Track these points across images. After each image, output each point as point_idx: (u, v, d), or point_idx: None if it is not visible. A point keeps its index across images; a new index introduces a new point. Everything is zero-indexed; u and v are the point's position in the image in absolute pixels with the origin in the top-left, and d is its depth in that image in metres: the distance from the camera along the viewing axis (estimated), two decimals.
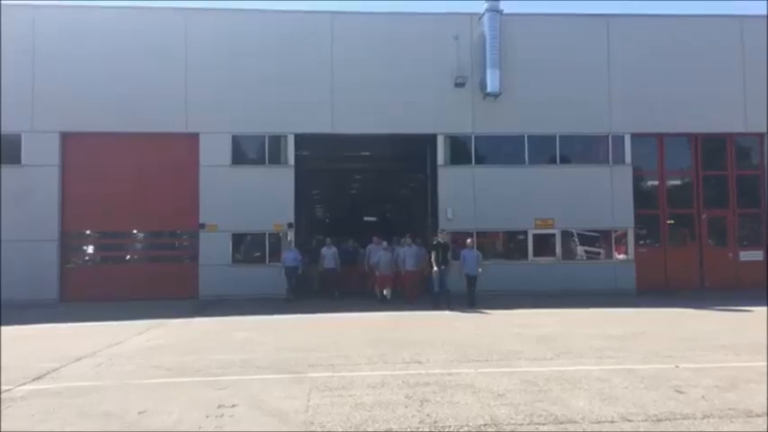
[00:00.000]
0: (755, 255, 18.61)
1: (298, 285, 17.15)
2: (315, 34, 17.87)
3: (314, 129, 17.90)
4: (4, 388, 6.72)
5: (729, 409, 5.62)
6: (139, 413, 5.73)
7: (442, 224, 17.36)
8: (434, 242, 15.43)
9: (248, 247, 17.85)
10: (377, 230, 22.30)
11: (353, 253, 18.68)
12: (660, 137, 18.81)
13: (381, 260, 16.27)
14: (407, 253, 16.11)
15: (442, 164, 18.19)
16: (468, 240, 15.73)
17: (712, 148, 19.11)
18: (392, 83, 17.83)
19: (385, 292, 16.26)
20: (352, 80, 17.77)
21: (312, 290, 18.11)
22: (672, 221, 19.02)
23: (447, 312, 13.69)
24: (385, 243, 17.00)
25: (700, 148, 18.93)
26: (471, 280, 14.93)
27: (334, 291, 16.97)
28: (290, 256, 16.79)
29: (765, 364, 7.48)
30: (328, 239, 18.29)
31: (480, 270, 14.95)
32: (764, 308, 13.28)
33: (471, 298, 14.76)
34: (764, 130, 18.52)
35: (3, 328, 11.47)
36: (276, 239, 17.62)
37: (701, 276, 18.46)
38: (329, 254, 17.22)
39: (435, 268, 14.72)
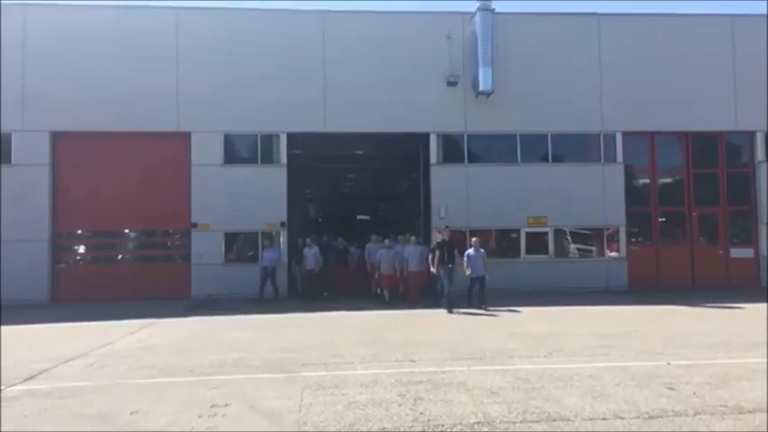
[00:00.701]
0: (746, 252, 18.72)
1: (290, 285, 17.03)
2: (307, 34, 17.83)
3: (306, 127, 17.85)
4: None
5: (721, 405, 5.65)
6: (132, 413, 5.70)
7: (435, 223, 17.37)
8: (439, 240, 14.80)
9: (241, 246, 17.79)
10: (370, 229, 22.21)
11: (343, 251, 18.43)
12: (651, 135, 18.90)
13: (383, 259, 15.70)
14: (411, 253, 15.41)
15: (434, 162, 18.19)
16: (474, 239, 14.95)
17: (703, 145, 19.21)
18: (384, 82, 17.81)
19: (383, 291, 15.77)
20: (344, 79, 17.73)
21: (300, 290, 17.32)
22: (663, 219, 19.12)
23: (442, 311, 13.57)
24: (386, 241, 16.32)
25: (691, 146, 19.04)
26: (480, 280, 14.28)
27: (321, 291, 16.59)
28: (266, 255, 16.59)
29: (756, 360, 7.54)
30: (308, 239, 17.48)
31: (487, 276, 14.29)
32: (755, 305, 13.41)
33: (482, 297, 14.19)
34: (755, 128, 18.63)
35: None
36: (269, 238, 17.54)
37: (692, 274, 18.55)
38: (310, 254, 16.70)
39: (433, 269, 14.24)
